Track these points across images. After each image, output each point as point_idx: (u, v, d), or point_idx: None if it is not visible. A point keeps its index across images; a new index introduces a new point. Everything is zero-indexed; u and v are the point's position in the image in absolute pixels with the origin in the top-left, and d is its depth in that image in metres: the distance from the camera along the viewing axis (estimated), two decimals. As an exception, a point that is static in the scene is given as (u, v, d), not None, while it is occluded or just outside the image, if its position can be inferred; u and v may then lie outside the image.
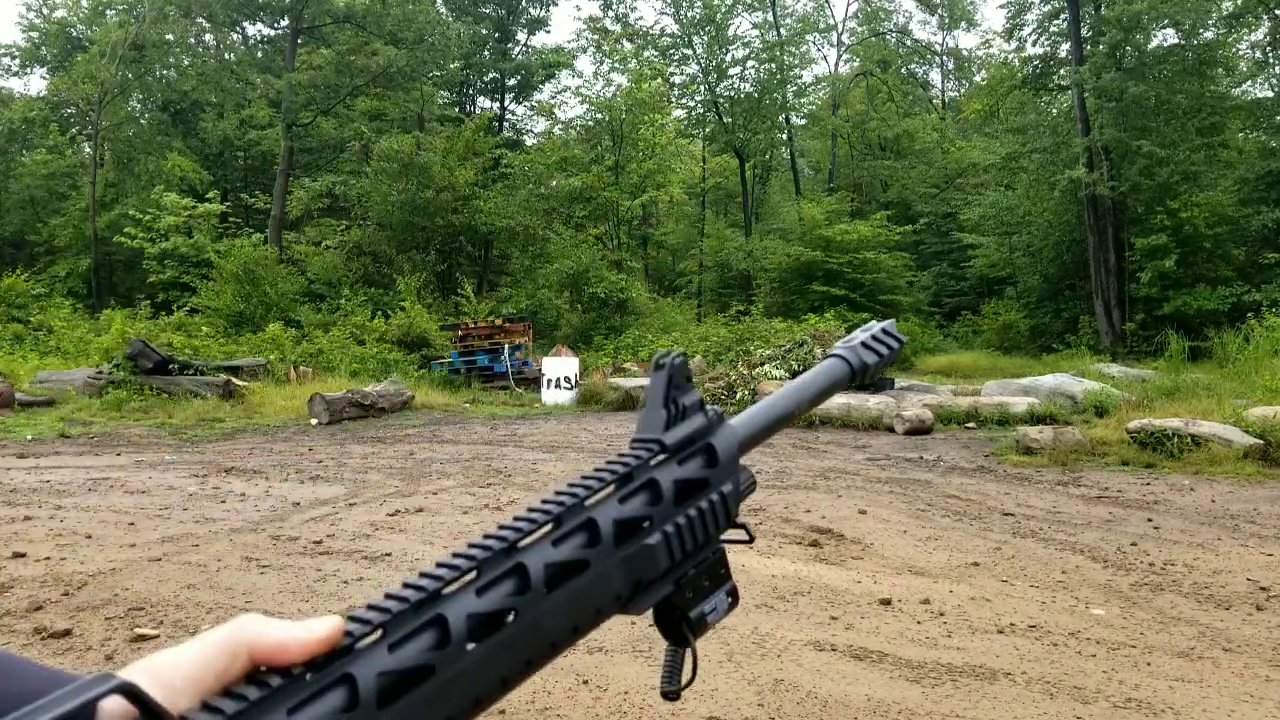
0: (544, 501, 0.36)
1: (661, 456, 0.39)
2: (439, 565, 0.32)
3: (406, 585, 0.30)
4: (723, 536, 0.41)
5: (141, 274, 18.01)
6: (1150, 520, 4.09)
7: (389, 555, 3.43)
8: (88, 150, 20.32)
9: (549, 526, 0.35)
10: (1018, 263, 19.56)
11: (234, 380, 9.38)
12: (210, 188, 19.94)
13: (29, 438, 6.90)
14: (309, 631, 0.28)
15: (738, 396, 9.53)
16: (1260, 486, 4.90)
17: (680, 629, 0.39)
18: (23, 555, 3.35)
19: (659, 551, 0.37)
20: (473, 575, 0.32)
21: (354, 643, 0.29)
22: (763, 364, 10.16)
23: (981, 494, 4.77)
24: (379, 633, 0.29)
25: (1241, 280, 14.88)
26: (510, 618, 0.32)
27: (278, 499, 4.55)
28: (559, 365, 10.58)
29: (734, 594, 0.41)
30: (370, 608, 0.30)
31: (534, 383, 11.01)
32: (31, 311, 15.38)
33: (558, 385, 10.36)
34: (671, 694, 0.40)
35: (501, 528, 0.34)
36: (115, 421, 7.97)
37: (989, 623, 2.67)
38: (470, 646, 0.30)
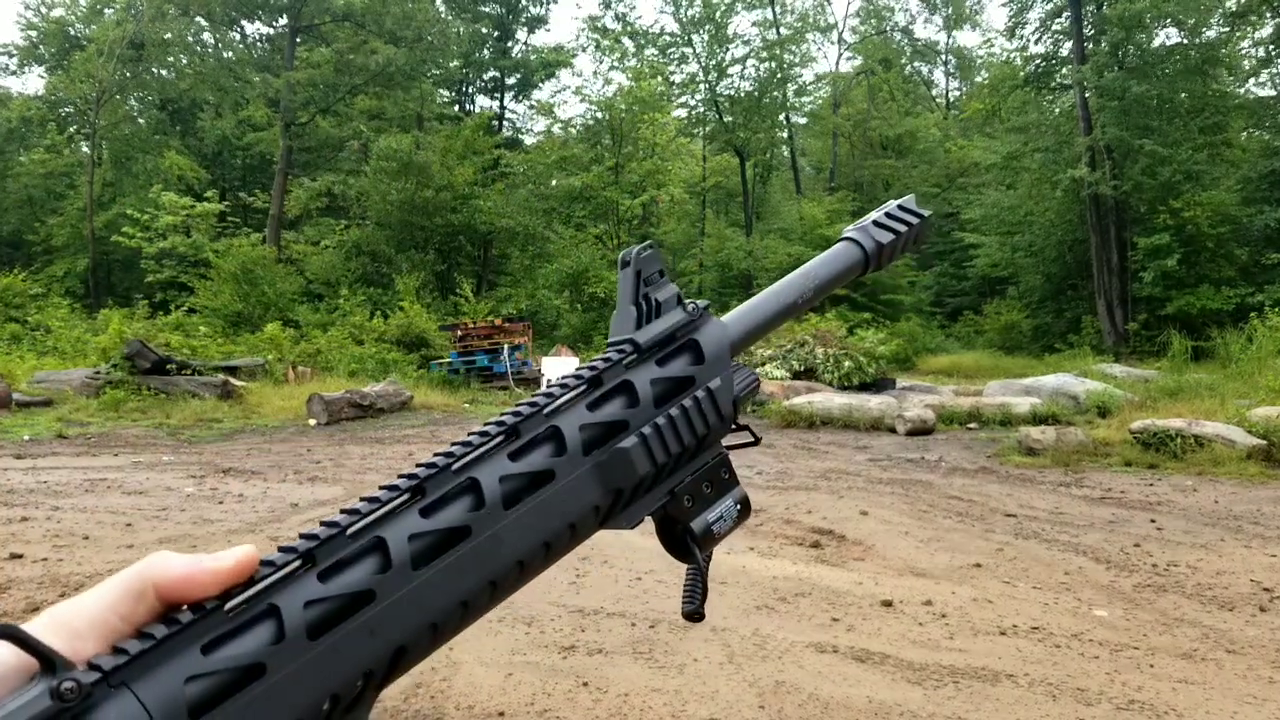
0: (500, 415, 0.33)
1: (633, 357, 0.36)
2: (380, 489, 0.30)
3: (343, 511, 0.29)
4: (725, 441, 0.38)
5: (139, 273, 18.00)
6: (1153, 521, 4.07)
7: (387, 556, 3.41)
8: (85, 149, 20.30)
9: (503, 439, 0.32)
10: (1020, 262, 19.53)
11: (232, 380, 9.36)
12: (208, 187, 19.94)
13: (26, 438, 6.88)
14: (218, 561, 0.26)
15: (738, 396, 9.51)
16: (1264, 487, 4.88)
17: (685, 542, 0.36)
18: (20, 556, 3.33)
19: (636, 454, 0.34)
20: (417, 496, 0.30)
21: (276, 572, 0.26)
22: (763, 364, 10.14)
23: (984, 495, 4.76)
24: (307, 562, 0.27)
25: (1244, 280, 14.85)
26: (464, 537, 0.29)
27: (276, 500, 4.53)
28: (559, 365, 10.56)
29: (743, 502, 0.38)
30: (301, 536, 0.28)
31: (533, 383, 10.99)
32: (29, 311, 15.37)
33: (557, 385, 10.35)
34: (693, 613, 0.37)
35: (452, 444, 0.32)
36: (113, 422, 7.95)
37: (991, 624, 2.65)
38: (418, 569, 0.28)
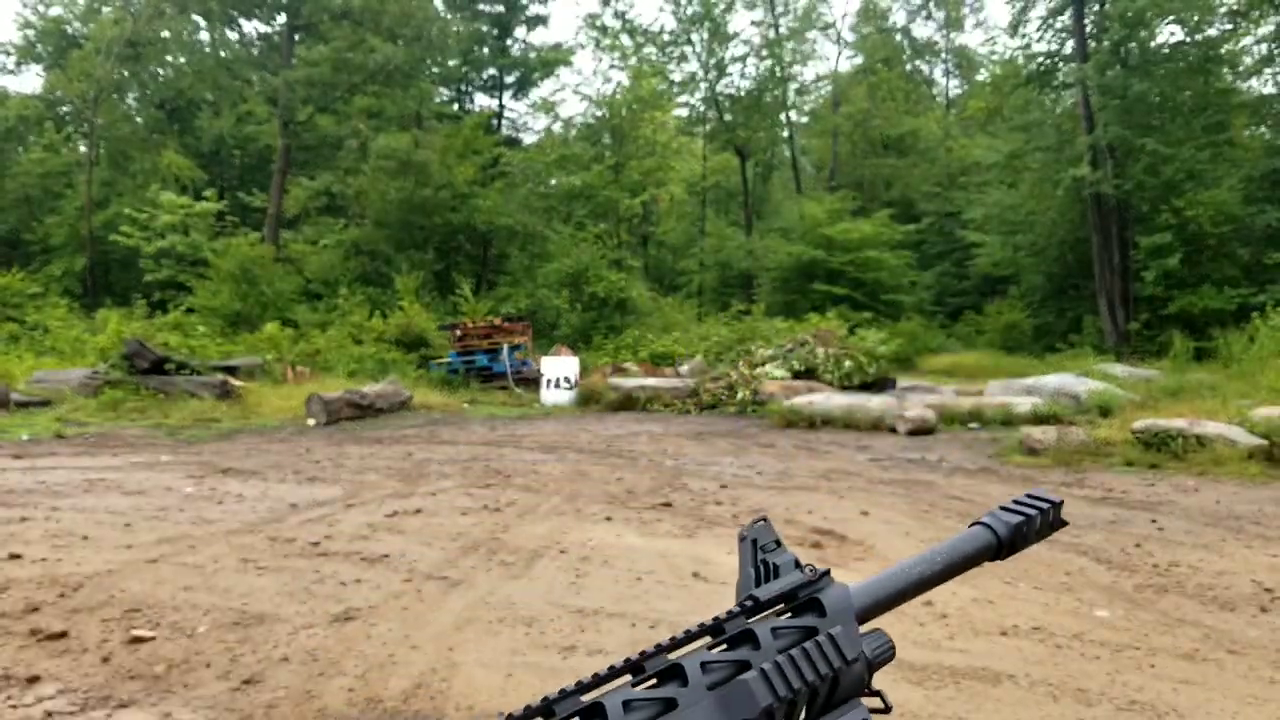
0: (625, 659, 0.36)
1: (753, 610, 0.39)
2: (508, 715, 0.32)
3: None
4: (863, 701, 0.39)
5: (137, 273, 17.96)
6: (1154, 521, 4.06)
7: (387, 557, 3.41)
8: (83, 148, 20.26)
9: (628, 673, 0.35)
10: (1021, 262, 19.51)
11: (231, 380, 9.35)
12: (207, 186, 19.89)
13: (25, 438, 6.87)
14: None
15: (738, 396, 9.51)
16: (1265, 487, 4.88)
17: None
18: (19, 556, 3.33)
19: (756, 686, 0.34)
20: (548, 717, 0.32)
21: None
22: (764, 364, 10.13)
23: (985, 495, 4.75)
24: None
25: (1247, 279, 14.83)
26: None
27: (275, 500, 4.52)
28: (558, 365, 10.55)
29: None
30: None
31: (533, 383, 10.98)
32: (27, 311, 15.33)
33: (557, 385, 10.34)
34: None
35: (578, 683, 0.34)
36: (111, 422, 7.94)
37: (992, 624, 2.65)
38: None
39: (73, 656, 2.37)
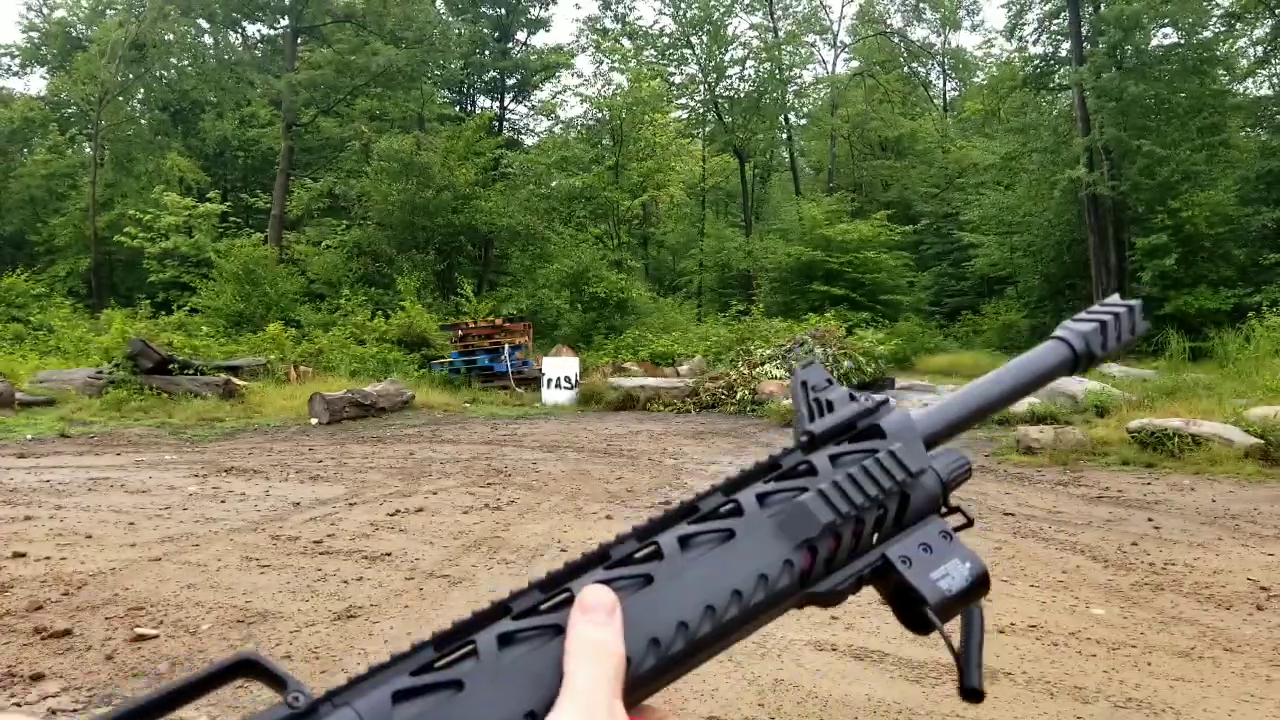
0: (682, 502, 0.35)
1: (808, 444, 0.37)
2: (565, 564, 0.33)
3: (547, 574, 0.32)
4: (941, 517, 0.37)
5: (141, 273, 18.01)
6: (1151, 520, 4.08)
7: (389, 555, 3.43)
8: (88, 150, 20.30)
9: (683, 513, 0.34)
10: (1018, 262, 19.54)
11: (234, 380, 9.38)
12: (210, 187, 19.94)
13: (29, 437, 6.90)
14: None
15: (737, 396, 9.53)
16: (1261, 486, 4.90)
17: (916, 609, 0.34)
18: (23, 555, 3.35)
19: (813, 504, 0.34)
20: (603, 560, 0.33)
21: (478, 621, 0.30)
22: (763, 364, 10.15)
23: (982, 494, 4.77)
24: (505, 612, 0.31)
25: (1242, 280, 14.86)
26: (647, 583, 0.31)
27: (278, 499, 4.54)
28: (559, 365, 10.57)
29: (978, 569, 0.35)
30: (509, 594, 0.32)
31: (534, 382, 11.00)
32: (31, 311, 15.38)
33: (558, 385, 10.36)
34: (968, 691, 0.35)
35: (634, 528, 0.34)
36: (115, 421, 7.97)
37: (989, 622, 2.67)
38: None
39: (76, 654, 2.40)
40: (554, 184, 19.87)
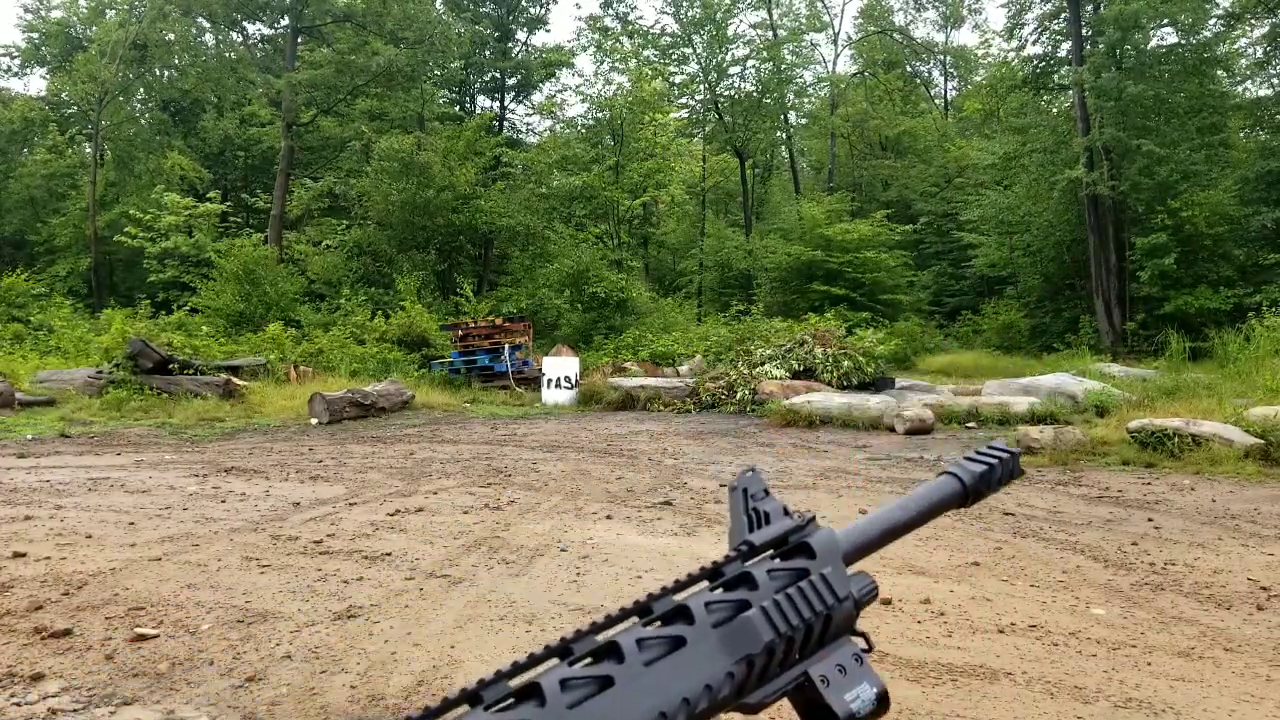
0: (635, 601, 0.38)
1: (749, 554, 0.41)
2: (527, 655, 0.34)
3: (511, 664, 0.33)
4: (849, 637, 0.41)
5: (142, 273, 18.01)
6: (1151, 520, 4.08)
7: (389, 555, 3.43)
8: (88, 150, 20.30)
9: (637, 615, 0.37)
10: (1018, 262, 19.54)
11: (234, 380, 9.38)
12: (210, 187, 19.94)
13: (29, 437, 6.90)
14: None
15: (738, 396, 9.53)
16: (1261, 486, 4.90)
17: None
18: (23, 555, 3.35)
19: (758, 622, 0.37)
20: (565, 655, 0.34)
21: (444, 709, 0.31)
22: (763, 363, 10.15)
23: (982, 493, 4.77)
24: (476, 702, 0.32)
25: (1242, 280, 14.87)
26: (609, 685, 0.33)
27: (278, 499, 4.54)
28: (559, 365, 10.57)
29: (881, 692, 0.40)
30: (475, 684, 0.33)
31: (534, 382, 11.00)
32: (31, 311, 15.39)
33: (558, 385, 10.36)
34: None
35: (592, 623, 0.36)
36: (115, 421, 7.97)
37: (989, 622, 2.67)
38: (571, 709, 0.32)
39: (76, 654, 2.40)
40: (554, 183, 19.87)
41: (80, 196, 19.84)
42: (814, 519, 0.43)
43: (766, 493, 0.44)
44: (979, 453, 0.50)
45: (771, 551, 0.41)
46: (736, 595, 0.38)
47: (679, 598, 0.37)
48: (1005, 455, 0.50)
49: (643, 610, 0.36)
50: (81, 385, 9.29)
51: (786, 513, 0.43)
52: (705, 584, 0.39)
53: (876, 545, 0.45)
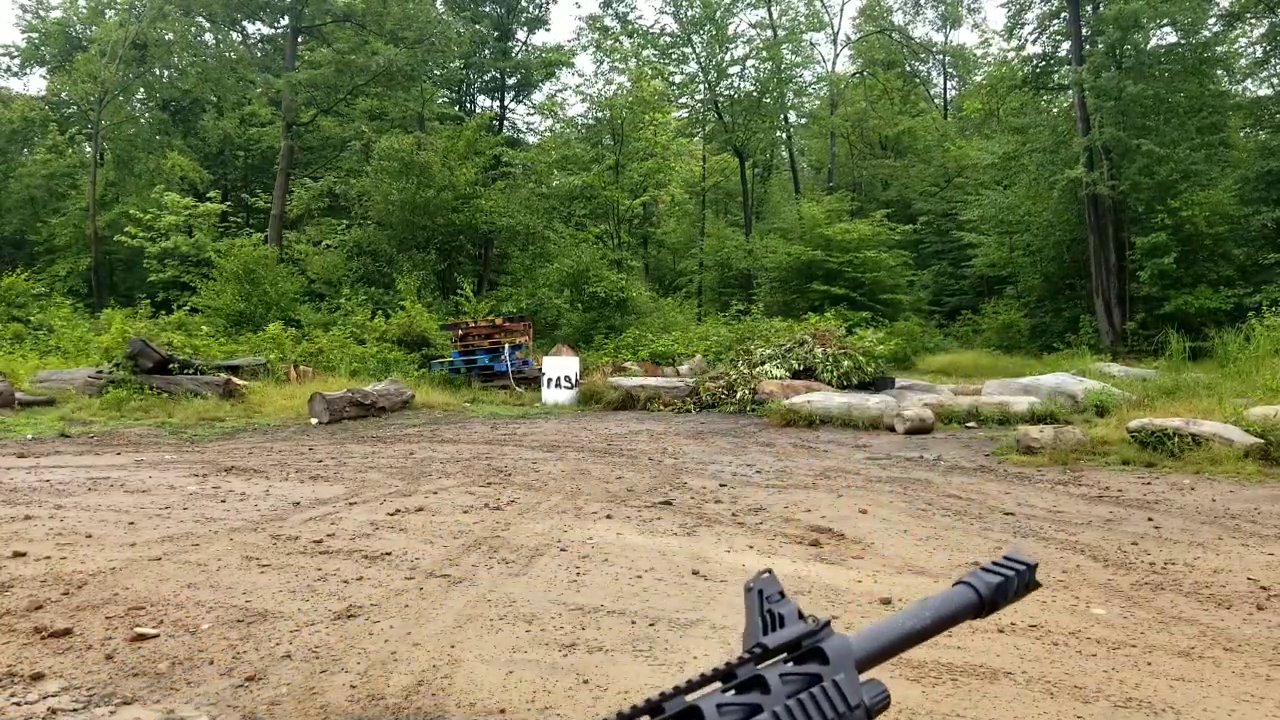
0: (646, 700, 0.37)
1: (762, 657, 0.41)
2: None
3: None
4: None
5: (142, 273, 18.01)
6: (1151, 520, 4.08)
7: (389, 554, 3.43)
8: (88, 150, 20.30)
9: (648, 715, 0.36)
10: (1018, 262, 19.54)
11: (234, 379, 9.38)
12: (210, 187, 19.93)
13: (29, 437, 6.90)
14: None
15: (738, 395, 9.53)
16: (1261, 486, 4.90)
17: None
18: (23, 554, 3.35)
19: None
20: None
21: None
22: (763, 363, 10.15)
23: (982, 493, 4.77)
24: None
25: (1242, 280, 14.87)
26: None
27: (278, 498, 4.54)
28: (559, 364, 10.57)
29: None
30: None
31: (534, 382, 11.00)
32: (31, 311, 15.38)
33: (558, 384, 10.36)
34: None
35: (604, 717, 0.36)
36: (115, 421, 7.97)
37: (989, 622, 2.66)
38: None
39: (76, 654, 2.40)
40: (554, 183, 19.87)
41: (80, 196, 19.84)
42: (829, 623, 0.43)
43: (782, 595, 0.45)
44: (996, 564, 0.50)
45: (785, 655, 0.42)
46: (748, 699, 0.38)
47: (691, 698, 0.37)
48: (1022, 567, 0.50)
49: (654, 710, 0.36)
50: (81, 385, 9.29)
51: (801, 616, 0.44)
52: (718, 685, 0.39)
53: (891, 653, 0.45)
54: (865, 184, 27.90)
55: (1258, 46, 17.88)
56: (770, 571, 0.46)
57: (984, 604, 0.48)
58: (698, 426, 8.10)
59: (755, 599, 0.44)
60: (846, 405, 8.00)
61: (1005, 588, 0.49)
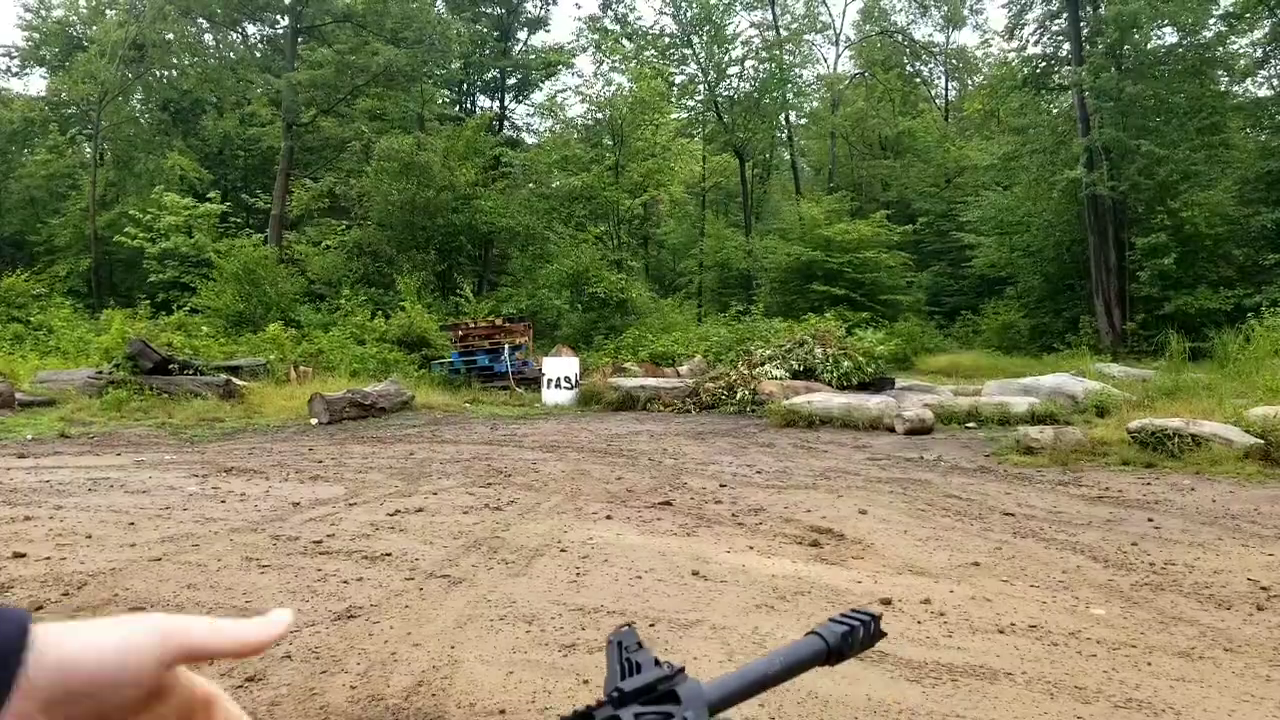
0: None
1: (619, 700, 0.44)
2: None
3: None
4: None
5: (142, 274, 18.01)
6: (1151, 520, 4.08)
7: (389, 555, 3.43)
8: (88, 150, 20.31)
9: None
10: (1018, 262, 19.56)
11: (234, 380, 9.38)
12: (210, 187, 19.93)
13: (29, 437, 6.90)
14: (239, 629, 0.31)
15: (738, 396, 9.53)
16: (1261, 486, 4.90)
17: None
18: (23, 555, 3.35)
19: None
20: None
21: None
22: (763, 364, 10.15)
23: (982, 494, 4.77)
24: None
25: (1242, 280, 14.88)
26: None
27: (278, 499, 4.54)
28: (559, 365, 10.57)
29: None
30: None
31: (534, 382, 11.00)
32: (31, 311, 15.40)
33: (558, 385, 10.36)
34: None
35: None
36: (115, 421, 7.97)
37: (989, 623, 2.67)
38: None
39: (78, 653, 2.39)
40: (554, 184, 19.87)
41: (80, 196, 19.84)
42: (683, 669, 0.47)
43: (640, 644, 0.48)
44: (844, 615, 0.54)
45: (643, 700, 0.45)
46: None
47: None
48: (867, 618, 0.54)
49: None
50: (81, 385, 9.29)
51: (657, 663, 0.47)
52: None
53: (741, 697, 0.48)
54: (865, 184, 27.92)
55: (1258, 48, 17.89)
56: (631, 625, 0.50)
57: (831, 652, 0.52)
58: (698, 427, 8.10)
59: (615, 649, 0.48)
60: (846, 406, 8.00)
61: (850, 637, 0.52)
